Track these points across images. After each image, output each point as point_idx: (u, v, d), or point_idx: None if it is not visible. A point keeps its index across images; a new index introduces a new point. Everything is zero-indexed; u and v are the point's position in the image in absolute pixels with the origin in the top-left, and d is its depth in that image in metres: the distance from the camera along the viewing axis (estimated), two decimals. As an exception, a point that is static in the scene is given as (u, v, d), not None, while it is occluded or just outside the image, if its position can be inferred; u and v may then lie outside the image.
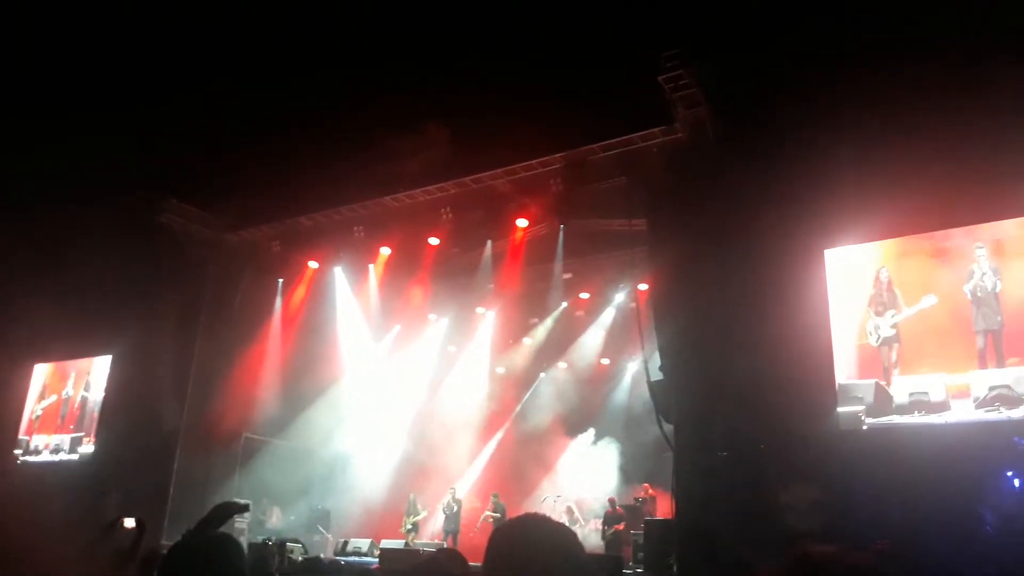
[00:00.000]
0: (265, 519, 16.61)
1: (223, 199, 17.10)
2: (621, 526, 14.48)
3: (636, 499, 15.41)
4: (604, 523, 14.89)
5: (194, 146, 16.50)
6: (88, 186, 16.83)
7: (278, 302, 18.01)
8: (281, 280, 18.13)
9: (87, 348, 19.18)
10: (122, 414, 17.60)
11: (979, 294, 11.40)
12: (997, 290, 11.27)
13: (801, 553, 1.59)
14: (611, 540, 14.38)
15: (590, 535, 15.43)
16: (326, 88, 15.65)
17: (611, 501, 15.30)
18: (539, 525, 1.81)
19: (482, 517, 16.22)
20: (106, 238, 17.13)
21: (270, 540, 13.81)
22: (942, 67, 10.93)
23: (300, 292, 18.02)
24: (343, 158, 15.39)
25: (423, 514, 16.64)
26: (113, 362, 18.78)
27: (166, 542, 13.25)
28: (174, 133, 16.35)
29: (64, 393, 19.57)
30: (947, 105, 10.73)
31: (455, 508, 16.26)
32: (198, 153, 16.57)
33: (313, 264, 17.74)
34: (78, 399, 19.14)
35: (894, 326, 11.99)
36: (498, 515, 15.70)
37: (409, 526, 16.48)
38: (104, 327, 18.25)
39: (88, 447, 18.26)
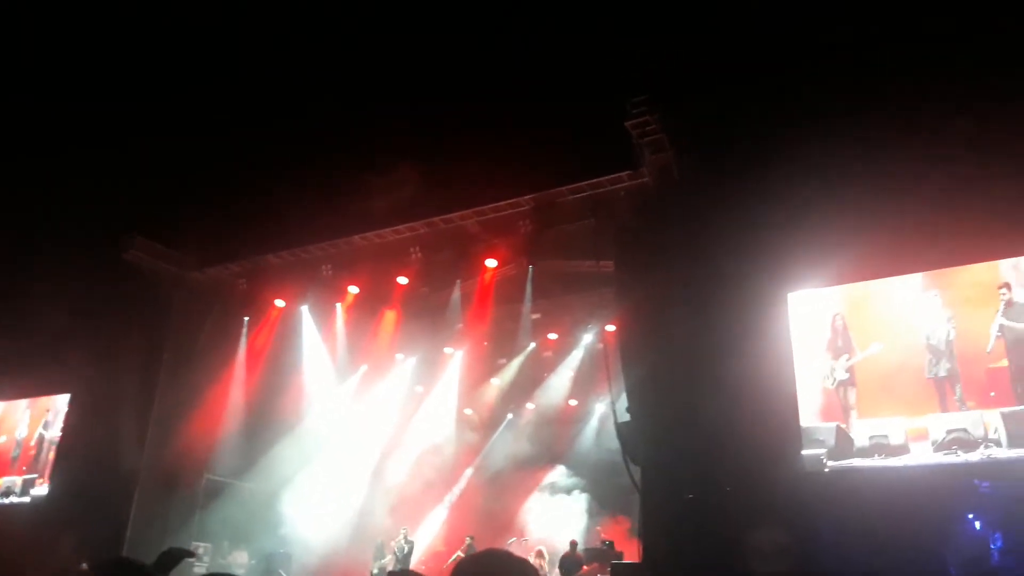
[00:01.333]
0: (225, 563, 16.20)
1: (190, 237, 16.95)
2: (585, 569, 14.33)
3: (603, 542, 15.30)
4: (560, 567, 14.73)
5: (162, 183, 16.40)
6: (51, 221, 16.62)
7: (243, 341, 17.79)
8: (247, 319, 17.93)
9: (44, 386, 18.73)
10: (79, 454, 17.14)
11: (933, 342, 11.66)
12: (951, 338, 11.53)
13: None
14: None
15: (557, 578, 15.28)
16: (296, 127, 15.70)
17: (572, 544, 15.15)
18: (502, 560, 1.81)
19: (453, 557, 15.98)
20: (67, 274, 16.86)
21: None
22: (902, 116, 11.30)
23: (266, 331, 17.83)
24: (312, 196, 15.40)
25: (389, 558, 16.35)
26: (72, 400, 18.35)
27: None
28: (141, 169, 16.26)
29: (18, 433, 19.03)
30: (906, 154, 11.07)
31: (406, 549, 15.97)
32: (165, 190, 16.46)
33: (280, 303, 17.59)
34: (34, 438, 18.62)
35: (848, 370, 12.22)
36: None
37: (375, 570, 16.18)
38: (63, 365, 17.85)
39: (42, 489, 17.73)
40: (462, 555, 15.77)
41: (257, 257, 17.04)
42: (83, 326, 17.18)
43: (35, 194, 16.92)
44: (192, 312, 17.65)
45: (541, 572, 14.85)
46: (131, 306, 17.09)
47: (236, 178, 15.92)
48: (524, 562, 1.84)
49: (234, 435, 17.05)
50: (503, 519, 17.72)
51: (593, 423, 18.77)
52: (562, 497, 17.61)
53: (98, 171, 16.25)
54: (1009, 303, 11.25)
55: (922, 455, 11.19)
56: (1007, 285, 11.37)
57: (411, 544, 16.22)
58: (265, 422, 17.36)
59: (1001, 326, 11.19)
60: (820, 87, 11.61)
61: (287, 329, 17.82)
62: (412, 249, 15.71)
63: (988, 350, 11.16)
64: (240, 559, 16.50)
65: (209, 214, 16.14)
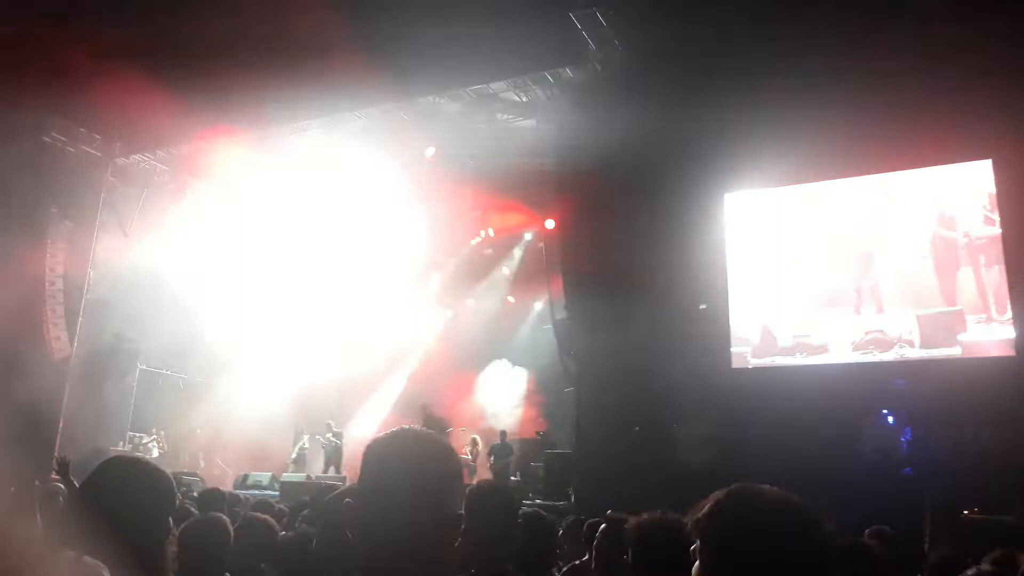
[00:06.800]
0: (150, 451, 16.11)
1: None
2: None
3: (537, 432, 15.75)
4: (490, 455, 15.18)
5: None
6: None
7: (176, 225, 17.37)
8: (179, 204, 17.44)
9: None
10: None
11: (860, 250, 12.05)
12: (877, 244, 11.94)
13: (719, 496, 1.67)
14: (499, 472, 14.62)
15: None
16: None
17: (502, 433, 15.57)
18: (413, 437, 1.74)
19: None
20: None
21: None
22: (846, 25, 11.20)
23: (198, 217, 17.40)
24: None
25: (305, 440, 16.37)
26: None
27: (56, 477, 12.78)
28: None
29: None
30: (846, 62, 11.04)
31: (336, 443, 15.93)
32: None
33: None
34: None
35: (774, 271, 12.59)
36: None
37: (295, 455, 16.38)
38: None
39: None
40: None
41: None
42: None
43: None
44: (127, 195, 17.07)
45: (473, 458, 15.32)
46: (54, 187, 16.30)
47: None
48: (433, 438, 1.77)
49: (168, 324, 16.81)
50: (443, 410, 18.04)
51: (531, 319, 19.02)
52: (500, 390, 18.00)
53: None
54: (943, 223, 11.62)
55: (841, 354, 11.73)
56: (938, 206, 11.72)
57: (340, 436, 16.12)
58: (202, 312, 17.10)
59: (934, 235, 11.59)
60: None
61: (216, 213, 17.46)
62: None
63: (923, 257, 11.57)
64: (163, 446, 16.44)
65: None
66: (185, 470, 14.71)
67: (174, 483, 2.54)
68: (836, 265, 12.17)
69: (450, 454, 1.71)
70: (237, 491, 14.15)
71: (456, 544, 1.68)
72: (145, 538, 2.18)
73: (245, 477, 14.82)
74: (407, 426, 1.78)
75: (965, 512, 9.06)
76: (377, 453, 1.70)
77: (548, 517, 3.70)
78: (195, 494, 12.74)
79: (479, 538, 2.90)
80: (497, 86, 13.91)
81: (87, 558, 1.91)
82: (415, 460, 1.67)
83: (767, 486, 1.67)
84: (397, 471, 1.65)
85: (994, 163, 11.28)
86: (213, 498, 6.24)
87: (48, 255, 15.91)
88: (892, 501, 9.54)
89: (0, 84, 14.93)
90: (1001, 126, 10.56)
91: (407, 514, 1.61)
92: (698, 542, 1.68)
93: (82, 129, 16.23)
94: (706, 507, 1.68)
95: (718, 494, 1.69)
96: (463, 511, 1.74)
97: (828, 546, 1.61)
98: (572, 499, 11.73)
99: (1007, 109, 10.30)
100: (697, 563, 1.68)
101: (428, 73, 13.67)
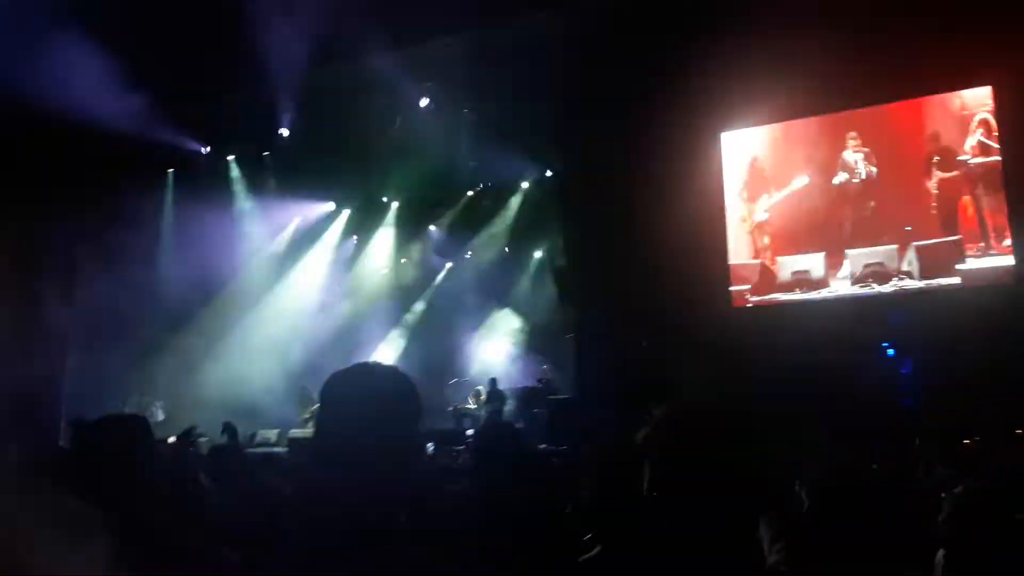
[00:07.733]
0: (156, 414, 16.23)
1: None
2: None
3: (539, 380, 15.82)
4: (486, 403, 15.30)
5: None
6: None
7: (169, 192, 17.20)
8: (172, 171, 17.23)
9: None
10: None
11: (852, 179, 11.98)
12: (871, 176, 11.86)
13: (673, 404, 1.80)
14: (490, 418, 14.67)
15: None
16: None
17: (491, 380, 15.67)
18: (372, 372, 1.78)
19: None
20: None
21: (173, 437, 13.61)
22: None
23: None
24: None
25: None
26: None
27: (64, 444, 12.86)
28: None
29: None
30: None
31: None
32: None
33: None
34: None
35: (768, 210, 12.55)
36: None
37: (307, 415, 16.45)
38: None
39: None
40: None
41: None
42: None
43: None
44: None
45: (478, 408, 15.46)
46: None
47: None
48: (389, 370, 1.78)
49: (168, 289, 16.77)
50: (444, 361, 18.15)
51: (530, 269, 18.99)
52: (498, 340, 18.09)
53: None
54: (940, 152, 11.51)
55: (840, 288, 11.76)
56: (935, 136, 11.59)
57: None
58: (202, 274, 17.04)
59: (932, 164, 11.53)
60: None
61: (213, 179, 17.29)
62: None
63: (921, 186, 11.52)
64: (163, 410, 16.55)
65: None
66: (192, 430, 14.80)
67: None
68: (833, 199, 12.13)
69: (406, 384, 1.73)
70: (247, 449, 14.30)
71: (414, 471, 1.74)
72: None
73: (253, 435, 14.94)
74: (365, 362, 1.82)
75: (966, 441, 9.16)
76: (335, 387, 1.72)
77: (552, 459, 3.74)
78: (204, 452, 12.83)
79: (488, 476, 2.93)
80: (494, 31, 13.62)
81: (87, 507, 1.94)
82: (373, 392, 1.69)
83: (702, 400, 1.89)
84: (355, 403, 1.67)
85: (994, 90, 11.17)
86: (225, 453, 6.25)
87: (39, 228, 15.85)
88: (892, 432, 9.65)
89: None
90: (1001, 52, 10.43)
91: (365, 444, 1.63)
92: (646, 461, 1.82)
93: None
94: (648, 426, 1.84)
95: (658, 413, 1.84)
96: (472, 452, 1.81)
97: (759, 449, 1.83)
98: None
99: (1007, 34, 10.16)
100: (646, 480, 1.80)
101: (419, 18, 13.38)
